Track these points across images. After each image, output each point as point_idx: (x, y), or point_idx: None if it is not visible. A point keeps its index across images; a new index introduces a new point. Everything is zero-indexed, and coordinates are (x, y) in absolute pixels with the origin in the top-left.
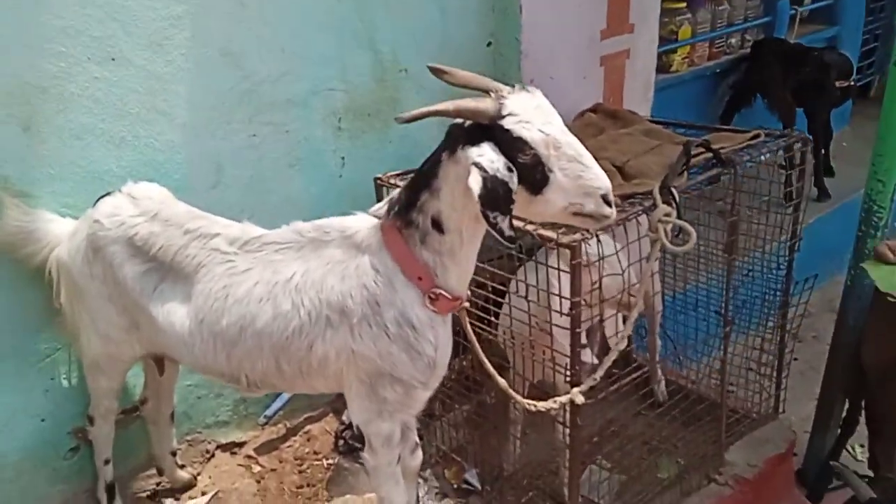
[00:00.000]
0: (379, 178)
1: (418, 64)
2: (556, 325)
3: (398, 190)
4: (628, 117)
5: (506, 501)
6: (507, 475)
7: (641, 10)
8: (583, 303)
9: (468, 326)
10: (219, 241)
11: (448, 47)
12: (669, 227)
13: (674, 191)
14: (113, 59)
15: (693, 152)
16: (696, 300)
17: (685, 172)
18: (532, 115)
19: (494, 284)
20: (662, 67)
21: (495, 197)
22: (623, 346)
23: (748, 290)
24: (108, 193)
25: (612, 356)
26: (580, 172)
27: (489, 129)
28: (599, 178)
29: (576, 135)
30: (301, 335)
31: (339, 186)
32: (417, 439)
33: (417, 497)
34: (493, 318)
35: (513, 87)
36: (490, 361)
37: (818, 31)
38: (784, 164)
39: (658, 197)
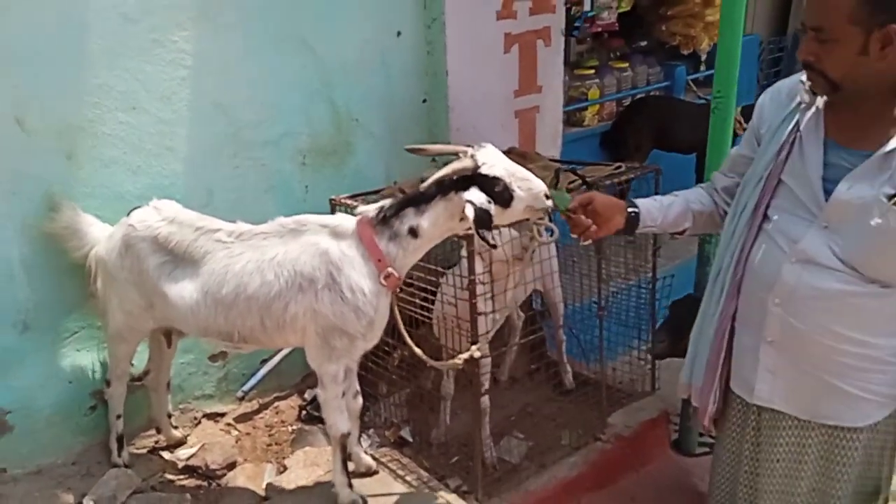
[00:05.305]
0: (333, 199)
1: (367, 115)
2: (461, 300)
3: (389, 202)
4: (534, 157)
5: (433, 455)
6: (438, 444)
7: (547, 76)
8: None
9: (398, 317)
10: (220, 234)
11: (391, 102)
12: (543, 227)
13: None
14: (134, 108)
15: (572, 179)
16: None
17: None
18: (495, 160)
19: (431, 278)
20: (577, 122)
21: (484, 221)
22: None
23: (625, 296)
24: (137, 206)
25: (500, 321)
26: (529, 186)
27: (472, 177)
28: (540, 185)
29: None
30: (280, 298)
31: (303, 209)
32: (358, 388)
33: (360, 440)
34: (430, 307)
35: (471, 146)
36: (429, 344)
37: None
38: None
39: None
